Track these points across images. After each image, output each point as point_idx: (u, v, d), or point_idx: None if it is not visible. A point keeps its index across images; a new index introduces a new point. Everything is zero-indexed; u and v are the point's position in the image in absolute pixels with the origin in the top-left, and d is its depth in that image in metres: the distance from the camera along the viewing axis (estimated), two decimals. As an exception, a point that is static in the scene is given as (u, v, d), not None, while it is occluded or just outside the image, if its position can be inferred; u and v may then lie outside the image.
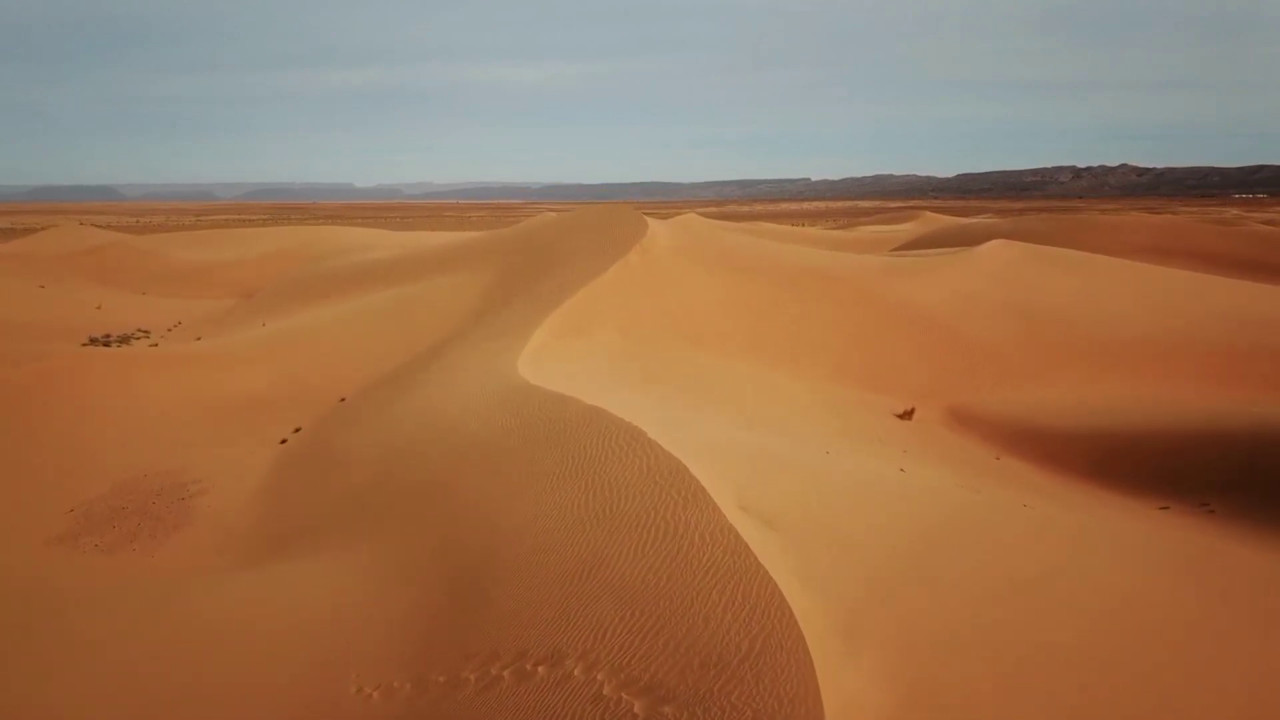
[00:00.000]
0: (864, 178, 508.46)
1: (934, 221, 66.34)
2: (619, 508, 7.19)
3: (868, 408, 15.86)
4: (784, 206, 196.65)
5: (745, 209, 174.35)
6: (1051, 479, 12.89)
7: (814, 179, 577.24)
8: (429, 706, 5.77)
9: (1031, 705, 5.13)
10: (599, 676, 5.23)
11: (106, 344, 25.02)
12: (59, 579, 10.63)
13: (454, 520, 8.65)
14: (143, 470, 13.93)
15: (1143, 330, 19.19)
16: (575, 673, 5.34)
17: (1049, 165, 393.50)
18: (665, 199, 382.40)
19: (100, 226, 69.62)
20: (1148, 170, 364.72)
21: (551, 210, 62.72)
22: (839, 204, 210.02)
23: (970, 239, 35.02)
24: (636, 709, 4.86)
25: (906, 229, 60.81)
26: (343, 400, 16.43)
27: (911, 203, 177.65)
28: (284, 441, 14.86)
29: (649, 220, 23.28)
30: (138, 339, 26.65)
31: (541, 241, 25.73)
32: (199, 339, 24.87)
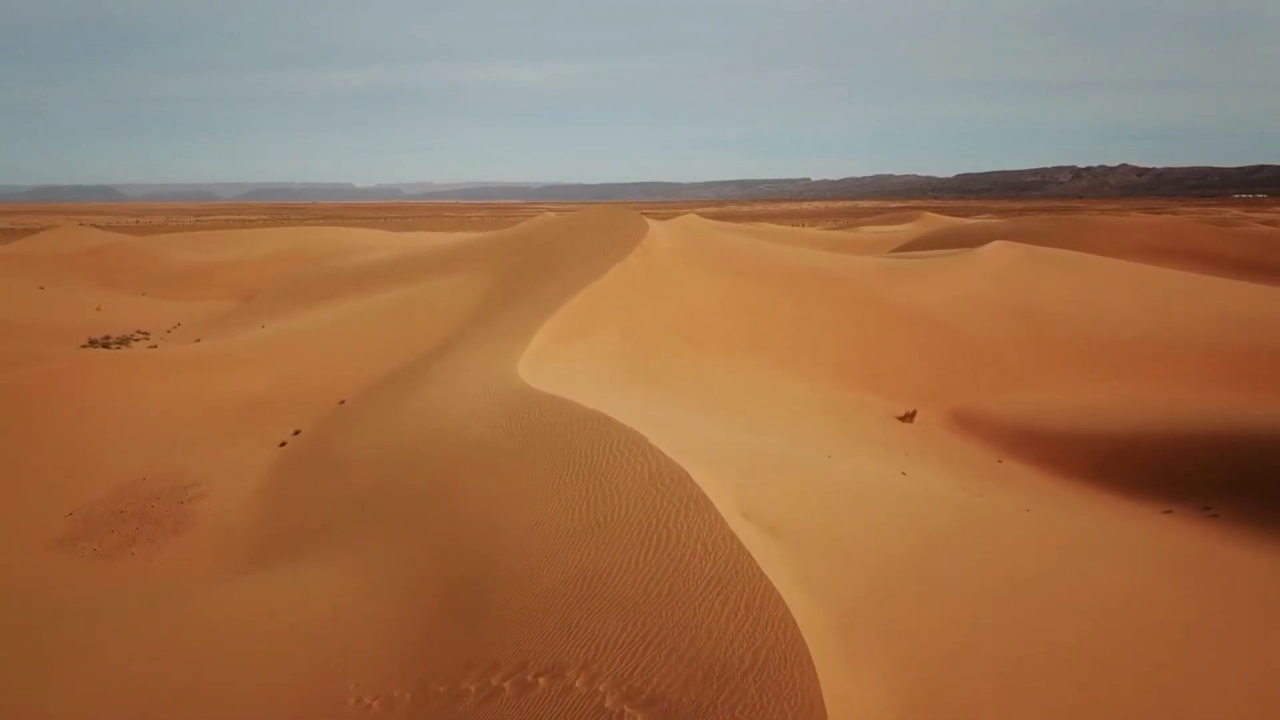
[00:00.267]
0: (864, 178, 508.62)
1: (934, 222, 66.31)
2: (620, 515, 7.16)
3: (868, 409, 15.84)
4: (784, 207, 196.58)
5: (745, 209, 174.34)
6: (1053, 482, 12.88)
7: (814, 179, 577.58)
8: (429, 718, 5.73)
9: (1032, 706, 5.12)
10: (601, 688, 5.18)
11: (106, 345, 24.98)
12: (59, 581, 10.62)
13: (454, 524, 8.62)
14: (142, 473, 13.91)
15: (1143, 331, 19.17)
16: (577, 684, 5.29)
17: (1049, 165, 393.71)
18: (665, 199, 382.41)
19: (100, 227, 69.50)
20: (1148, 170, 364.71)
21: (551, 210, 62.67)
22: (839, 204, 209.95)
23: (970, 239, 35.03)
24: (639, 722, 4.81)
25: (907, 229, 60.81)
26: (342, 402, 16.39)
27: (911, 203, 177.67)
28: (284, 444, 14.83)
29: (649, 221, 23.24)
30: (137, 340, 26.60)
31: (542, 242, 25.69)
32: (199, 340, 24.82)
